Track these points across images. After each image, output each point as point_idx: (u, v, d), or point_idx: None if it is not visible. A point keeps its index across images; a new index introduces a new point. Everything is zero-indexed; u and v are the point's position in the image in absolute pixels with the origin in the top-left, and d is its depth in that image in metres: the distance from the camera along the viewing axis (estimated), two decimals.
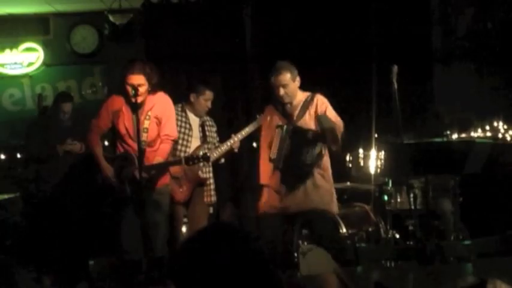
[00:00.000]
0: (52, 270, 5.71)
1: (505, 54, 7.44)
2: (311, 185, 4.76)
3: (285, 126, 4.79)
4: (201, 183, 5.54)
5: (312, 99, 4.80)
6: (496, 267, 3.11)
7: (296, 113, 4.82)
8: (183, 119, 5.48)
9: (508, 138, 7.06)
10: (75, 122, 6.23)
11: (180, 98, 5.61)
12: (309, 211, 4.75)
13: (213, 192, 5.61)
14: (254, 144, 7.29)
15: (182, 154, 5.40)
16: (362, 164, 6.08)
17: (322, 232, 4.77)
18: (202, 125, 5.57)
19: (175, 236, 5.37)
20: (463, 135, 6.59)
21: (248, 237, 1.58)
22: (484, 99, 7.68)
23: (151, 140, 4.89)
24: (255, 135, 7.11)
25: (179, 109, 5.50)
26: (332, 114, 4.77)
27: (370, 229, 5.55)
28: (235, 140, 5.43)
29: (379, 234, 5.52)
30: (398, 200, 5.74)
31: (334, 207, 4.90)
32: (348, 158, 5.63)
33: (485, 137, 6.76)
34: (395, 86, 4.31)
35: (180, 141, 5.40)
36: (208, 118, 5.69)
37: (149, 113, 4.85)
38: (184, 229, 5.76)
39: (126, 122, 4.87)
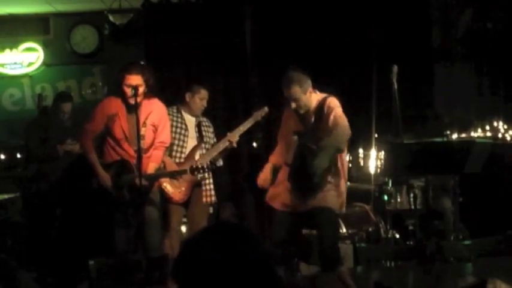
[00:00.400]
0: (52, 270, 5.71)
1: (505, 54, 7.44)
2: (320, 190, 4.69)
3: (296, 137, 4.72)
4: (199, 183, 5.53)
5: (323, 104, 4.67)
6: (496, 267, 3.12)
7: (312, 119, 4.70)
8: (179, 120, 5.47)
9: (508, 138, 7.06)
10: (75, 122, 6.22)
11: (179, 99, 5.62)
12: (313, 209, 4.70)
13: (212, 192, 5.60)
14: (254, 144, 7.30)
15: (178, 154, 5.40)
16: (362, 164, 6.08)
17: (324, 233, 4.74)
18: (198, 125, 5.56)
19: (172, 236, 5.37)
20: (463, 135, 6.59)
21: (254, 238, 1.58)
22: (484, 99, 7.68)
23: (147, 147, 4.89)
24: (255, 135, 7.13)
25: (174, 110, 5.49)
26: (334, 121, 4.64)
27: (370, 229, 5.55)
28: (232, 137, 5.40)
29: (379, 234, 5.52)
30: (398, 200, 5.74)
31: (338, 206, 4.79)
32: (348, 158, 5.63)
33: (485, 137, 6.76)
34: (395, 86, 4.31)
35: (176, 142, 5.40)
36: (204, 119, 5.68)
37: (146, 121, 4.84)
38: (184, 229, 5.77)
39: (123, 125, 4.85)
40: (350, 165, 5.27)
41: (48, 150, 6.07)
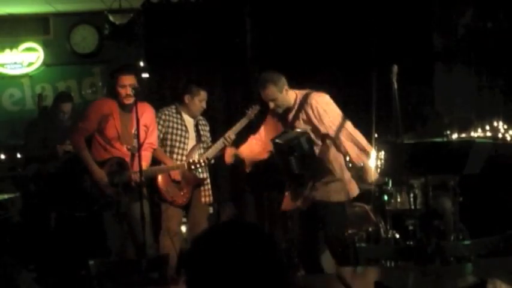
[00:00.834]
0: (52, 270, 5.71)
1: (505, 54, 7.43)
2: (315, 185, 4.73)
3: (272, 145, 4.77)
4: (199, 184, 5.55)
5: (306, 101, 4.74)
6: (496, 267, 3.11)
7: (290, 116, 4.79)
8: (179, 121, 5.48)
9: (508, 138, 7.05)
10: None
11: (178, 99, 5.62)
12: (316, 203, 4.71)
13: (209, 192, 5.63)
14: None
15: (179, 157, 5.42)
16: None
17: (328, 227, 4.75)
18: (196, 125, 5.59)
19: (173, 237, 5.38)
20: (463, 135, 6.58)
21: (270, 240, 1.58)
22: (484, 99, 7.67)
23: (140, 146, 4.94)
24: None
25: (173, 110, 5.50)
26: (329, 115, 4.72)
27: (370, 229, 5.55)
28: (228, 138, 5.44)
29: (379, 234, 5.52)
30: (398, 200, 5.74)
31: (344, 196, 4.80)
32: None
33: (485, 137, 6.75)
34: (395, 86, 4.31)
35: (178, 144, 5.42)
36: (201, 117, 5.69)
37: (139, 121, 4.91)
38: (184, 229, 5.78)
39: (117, 125, 4.92)
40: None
41: (48, 150, 6.07)
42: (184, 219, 5.70)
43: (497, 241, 3.64)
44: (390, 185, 5.74)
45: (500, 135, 7.08)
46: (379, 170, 5.07)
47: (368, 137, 5.83)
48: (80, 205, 5.58)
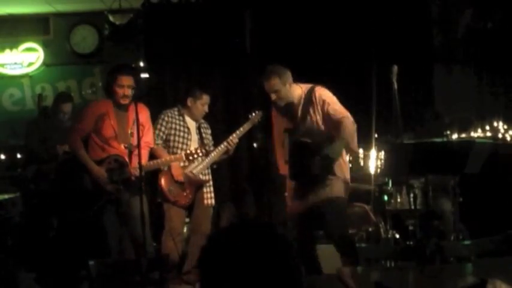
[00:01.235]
0: (52, 270, 5.71)
1: (505, 54, 7.43)
2: (320, 187, 4.71)
3: (286, 135, 4.76)
4: (201, 185, 5.57)
5: (311, 94, 4.75)
6: (496, 267, 3.11)
7: (299, 113, 4.79)
8: (181, 123, 5.51)
9: (508, 138, 7.05)
10: None
11: (180, 101, 5.64)
12: (320, 202, 4.71)
13: (212, 195, 5.64)
14: (255, 145, 7.30)
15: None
16: (362, 164, 6.08)
17: (331, 227, 4.74)
18: (198, 128, 5.62)
19: (175, 238, 5.39)
20: (463, 135, 6.57)
21: (284, 239, 1.57)
22: (484, 99, 7.66)
23: (136, 144, 4.95)
24: (255, 136, 7.12)
25: (176, 113, 5.53)
26: (333, 108, 4.71)
27: (370, 229, 5.56)
28: (231, 141, 5.47)
29: (379, 234, 5.52)
30: (398, 200, 5.74)
31: (344, 192, 4.79)
32: (347, 158, 5.63)
33: (485, 137, 6.75)
34: (395, 86, 4.31)
35: (180, 145, 5.45)
36: (203, 121, 5.72)
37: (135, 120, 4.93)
38: (185, 230, 5.79)
39: (113, 124, 4.96)
40: (350, 165, 5.27)
41: (48, 150, 6.07)
42: (186, 220, 5.72)
43: (497, 241, 3.64)
44: (390, 185, 5.74)
45: (500, 135, 7.08)
46: (379, 170, 5.08)
47: (368, 137, 5.84)
48: (81, 205, 5.59)
